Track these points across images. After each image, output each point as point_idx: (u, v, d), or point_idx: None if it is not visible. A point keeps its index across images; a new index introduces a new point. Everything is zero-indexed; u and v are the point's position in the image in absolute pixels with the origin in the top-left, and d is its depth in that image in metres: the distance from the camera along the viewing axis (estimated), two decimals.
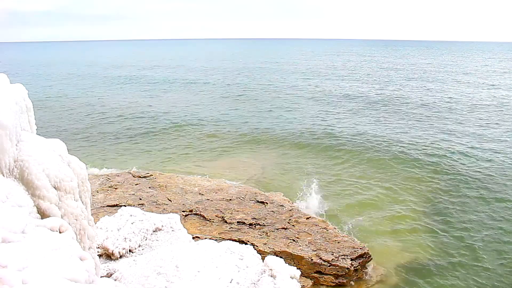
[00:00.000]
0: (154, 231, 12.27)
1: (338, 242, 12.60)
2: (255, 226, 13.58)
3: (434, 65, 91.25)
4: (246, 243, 12.19)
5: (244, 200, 15.59)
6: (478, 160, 22.85)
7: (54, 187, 5.81)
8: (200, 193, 16.47)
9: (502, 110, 36.90)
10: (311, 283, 11.66)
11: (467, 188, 19.04)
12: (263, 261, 10.34)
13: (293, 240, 12.76)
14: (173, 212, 13.91)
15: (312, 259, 11.85)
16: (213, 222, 13.93)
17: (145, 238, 11.89)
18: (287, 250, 12.18)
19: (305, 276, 11.59)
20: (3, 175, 5.43)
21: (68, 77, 70.33)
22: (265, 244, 12.48)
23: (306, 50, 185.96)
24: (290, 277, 9.83)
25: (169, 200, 15.69)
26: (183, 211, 14.57)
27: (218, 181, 18.68)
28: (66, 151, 6.63)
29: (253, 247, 11.51)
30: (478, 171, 21.02)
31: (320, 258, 11.85)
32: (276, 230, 13.29)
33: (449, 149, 24.87)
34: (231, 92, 50.22)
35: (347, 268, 11.62)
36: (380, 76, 66.78)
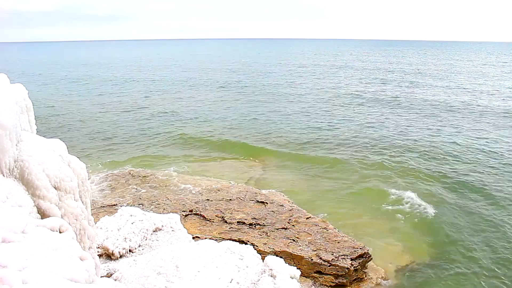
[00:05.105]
0: (154, 231, 12.28)
1: (338, 242, 12.59)
2: (255, 226, 13.58)
3: (441, 65, 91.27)
4: (246, 243, 12.19)
5: (244, 200, 15.59)
6: (479, 161, 22.85)
7: (54, 187, 5.82)
8: (200, 193, 16.49)
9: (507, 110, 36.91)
10: (311, 283, 11.66)
11: (467, 189, 19.04)
12: (263, 261, 10.35)
13: (293, 240, 12.76)
14: (173, 212, 13.92)
15: (312, 259, 11.85)
16: (213, 222, 13.94)
17: (145, 238, 11.90)
18: (287, 250, 12.17)
19: (305, 276, 11.58)
20: (3, 175, 5.44)
21: (67, 78, 70.37)
22: (265, 244, 12.48)
23: (308, 50, 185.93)
24: (290, 277, 9.83)
25: (169, 200, 15.70)
26: (183, 211, 14.57)
27: (218, 181, 18.69)
28: (66, 151, 6.64)
29: (253, 247, 11.52)
30: (480, 173, 21.02)
31: (320, 258, 11.84)
32: (276, 230, 13.29)
33: (451, 151, 24.86)
34: (231, 92, 50.23)
35: (347, 268, 11.61)
36: (384, 76, 66.79)
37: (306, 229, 13.35)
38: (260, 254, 10.97)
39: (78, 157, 6.94)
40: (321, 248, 12.27)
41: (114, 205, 15.13)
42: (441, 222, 15.99)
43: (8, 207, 4.88)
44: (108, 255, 11.09)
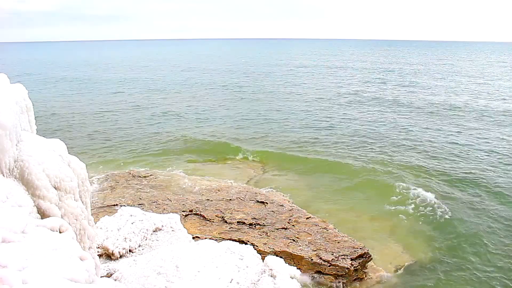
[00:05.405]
0: (154, 231, 12.29)
1: (338, 242, 12.60)
2: (255, 226, 13.58)
3: (444, 65, 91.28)
4: (246, 243, 12.19)
5: (244, 200, 15.59)
6: (482, 160, 22.84)
7: (54, 187, 5.82)
8: (200, 193, 16.49)
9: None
10: (311, 283, 11.66)
11: (470, 188, 19.02)
12: (263, 261, 10.36)
13: (293, 240, 12.76)
14: (173, 212, 13.93)
15: (312, 259, 11.85)
16: (213, 222, 13.94)
17: (145, 238, 11.91)
18: (287, 250, 12.17)
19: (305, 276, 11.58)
20: (3, 175, 5.44)
21: (67, 78, 70.36)
22: (265, 244, 12.48)
23: (308, 50, 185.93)
24: (290, 277, 9.84)
25: (169, 200, 15.70)
26: (183, 211, 14.57)
27: (218, 181, 18.70)
28: (66, 151, 6.64)
29: (253, 247, 11.53)
30: (482, 172, 21.01)
31: (320, 258, 11.84)
32: (276, 230, 13.29)
33: (450, 151, 24.86)
34: (231, 92, 50.23)
35: (347, 268, 11.61)
36: (385, 76, 66.80)
37: (306, 229, 13.35)
38: (260, 254, 10.98)
39: (78, 157, 6.94)
40: (321, 248, 12.27)
41: (114, 205, 15.13)
42: (441, 222, 15.98)
43: (8, 207, 4.88)
44: (108, 255, 11.09)
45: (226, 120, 33.94)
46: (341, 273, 11.64)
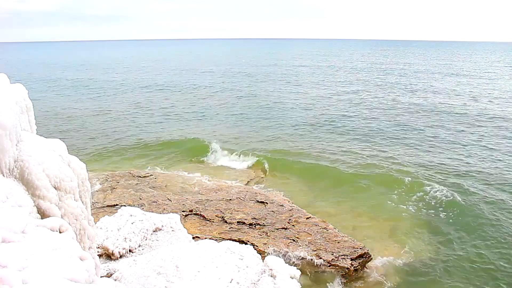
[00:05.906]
0: (154, 231, 12.28)
1: (338, 242, 12.61)
2: (255, 226, 13.58)
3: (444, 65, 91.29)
4: (246, 243, 12.19)
5: (244, 200, 15.59)
6: (481, 161, 22.84)
7: (54, 187, 5.82)
8: (200, 193, 16.49)
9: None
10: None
11: (469, 189, 19.00)
12: (263, 261, 10.35)
13: (293, 240, 12.76)
14: (173, 212, 13.92)
15: (312, 259, 11.85)
16: (213, 222, 13.94)
17: (145, 238, 11.90)
18: (287, 250, 12.18)
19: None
20: (3, 175, 5.44)
21: (67, 78, 70.37)
22: (265, 244, 12.49)
23: (308, 50, 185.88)
24: (290, 277, 9.84)
25: (169, 200, 15.70)
26: (183, 211, 14.57)
27: (218, 181, 18.70)
28: (66, 151, 6.64)
29: (253, 247, 11.52)
30: (480, 172, 21.01)
31: (320, 258, 11.85)
32: (276, 230, 13.30)
33: (452, 150, 24.86)
34: (231, 93, 50.21)
35: (347, 268, 11.62)
36: (384, 76, 66.80)
37: (306, 229, 13.35)
38: (260, 254, 10.98)
39: (78, 157, 6.94)
40: (321, 248, 12.28)
41: (114, 205, 15.13)
42: (443, 221, 15.97)
43: (8, 207, 4.88)
44: (108, 255, 11.08)
45: (226, 120, 33.95)
46: (341, 273, 11.64)
